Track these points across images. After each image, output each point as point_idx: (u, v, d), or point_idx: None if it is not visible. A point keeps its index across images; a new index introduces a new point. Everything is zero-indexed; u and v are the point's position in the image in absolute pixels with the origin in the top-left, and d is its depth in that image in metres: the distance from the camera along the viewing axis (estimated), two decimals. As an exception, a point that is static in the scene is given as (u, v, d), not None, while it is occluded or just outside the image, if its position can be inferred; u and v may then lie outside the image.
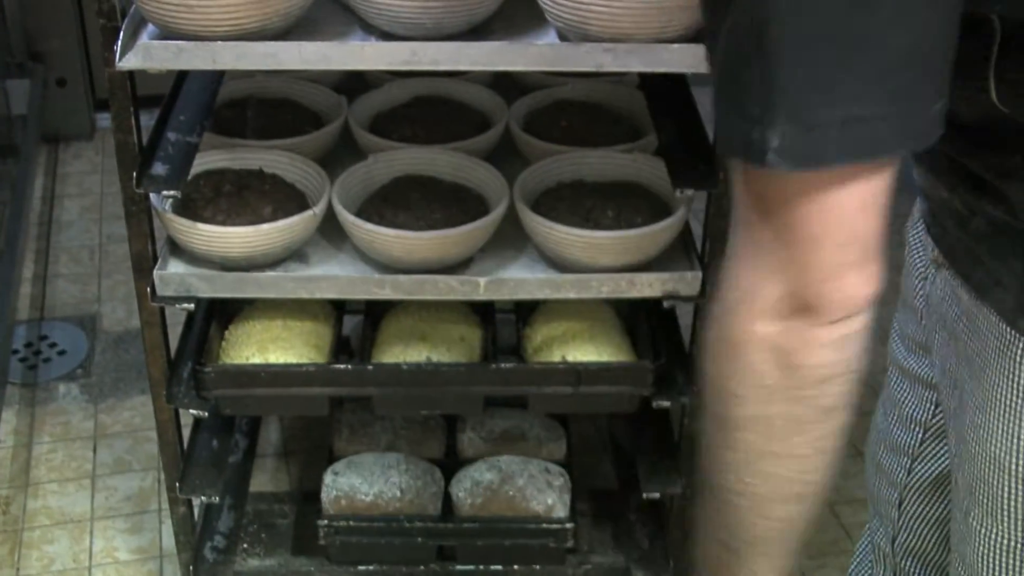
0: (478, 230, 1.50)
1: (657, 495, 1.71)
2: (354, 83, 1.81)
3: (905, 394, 1.21)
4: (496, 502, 1.74)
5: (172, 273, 1.51)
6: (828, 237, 0.75)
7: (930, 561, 1.27)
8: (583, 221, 1.53)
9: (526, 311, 1.73)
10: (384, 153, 1.64)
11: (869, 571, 1.38)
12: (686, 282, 1.52)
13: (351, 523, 1.73)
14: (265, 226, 1.49)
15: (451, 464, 1.81)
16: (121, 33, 1.33)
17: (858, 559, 1.41)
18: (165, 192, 1.43)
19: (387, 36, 1.36)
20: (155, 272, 1.50)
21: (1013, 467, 0.98)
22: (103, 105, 1.43)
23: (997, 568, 1.03)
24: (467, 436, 1.84)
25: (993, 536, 1.02)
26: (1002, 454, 0.98)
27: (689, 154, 1.52)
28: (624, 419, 1.99)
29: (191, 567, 1.76)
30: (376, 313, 1.72)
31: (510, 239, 1.57)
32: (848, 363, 0.81)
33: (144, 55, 1.32)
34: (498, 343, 1.68)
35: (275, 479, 2.11)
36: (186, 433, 1.73)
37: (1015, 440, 0.97)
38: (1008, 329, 0.93)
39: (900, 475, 1.25)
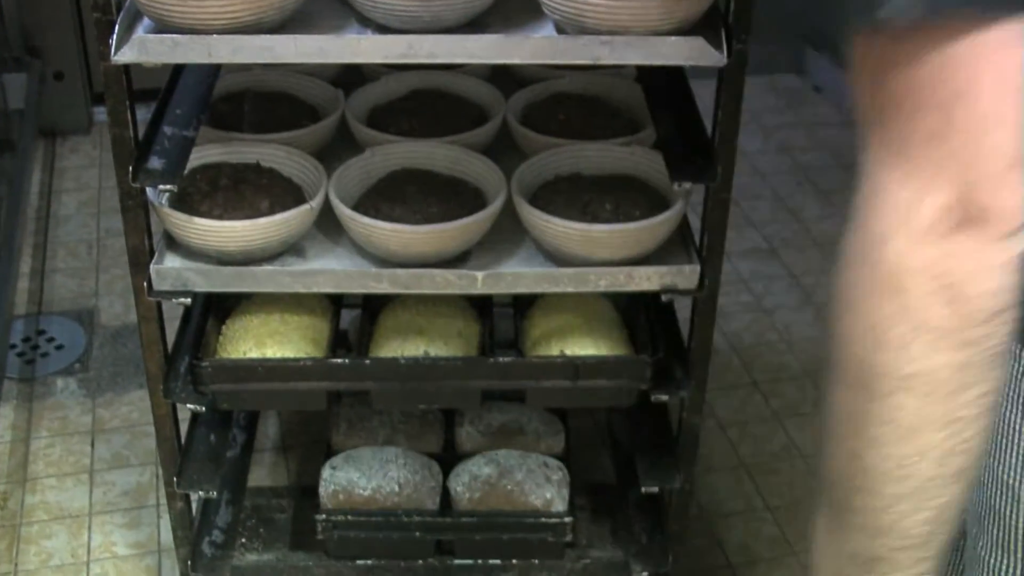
0: (475, 224, 1.50)
1: (656, 489, 1.71)
2: (351, 76, 1.81)
3: None
4: (494, 496, 1.74)
5: (169, 268, 1.51)
6: (997, 115, 0.63)
7: None
8: (581, 215, 1.52)
9: (524, 305, 1.73)
10: (381, 147, 1.63)
11: None
12: (684, 276, 1.52)
13: (349, 517, 1.73)
14: (262, 220, 1.48)
15: (449, 458, 1.81)
16: (116, 27, 1.32)
17: None
18: (161, 186, 1.42)
19: (383, 29, 1.35)
20: (151, 267, 1.50)
21: None
22: (100, 99, 1.43)
23: None
24: (465, 430, 1.84)
25: (1004, 568, 0.95)
26: (1016, 483, 0.92)
27: (687, 147, 1.51)
28: (623, 413, 1.98)
29: (189, 562, 1.75)
30: (374, 307, 1.72)
31: (508, 233, 1.57)
32: (1015, 295, 0.69)
33: (139, 49, 1.32)
34: (496, 337, 1.67)
35: (273, 473, 2.11)
36: (184, 428, 1.72)
37: None
38: (1019, 349, 0.87)
39: None
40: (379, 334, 1.67)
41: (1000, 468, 0.92)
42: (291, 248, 1.55)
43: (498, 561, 1.77)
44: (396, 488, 1.73)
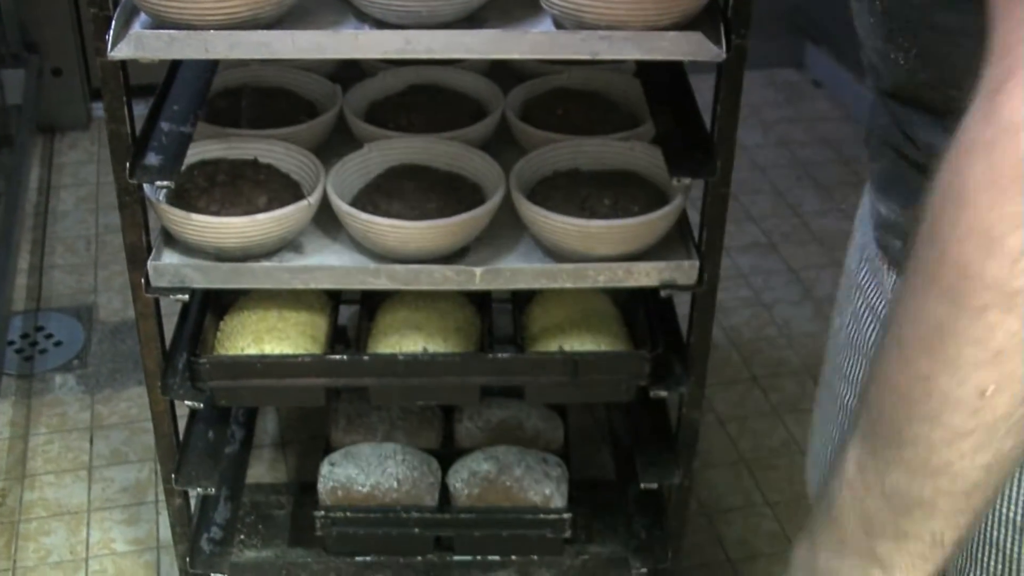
0: (474, 219, 1.49)
1: (655, 485, 1.70)
2: (349, 72, 1.80)
3: None
4: (493, 492, 1.73)
5: (166, 264, 1.50)
6: None
7: None
8: (579, 210, 1.52)
9: (523, 300, 1.72)
10: (379, 142, 1.63)
11: None
12: (683, 271, 1.51)
13: (348, 514, 1.73)
14: (260, 216, 1.48)
15: (448, 454, 1.81)
16: (113, 22, 1.32)
17: None
18: (159, 182, 1.42)
19: (381, 25, 1.35)
20: (149, 263, 1.49)
21: None
22: (99, 95, 1.42)
23: None
24: (464, 426, 1.84)
25: None
26: (1020, 518, 0.87)
27: (686, 142, 1.51)
28: (622, 409, 1.99)
29: (188, 558, 1.75)
30: (372, 303, 1.72)
31: (506, 228, 1.56)
32: None
33: (136, 45, 1.31)
34: (495, 333, 1.67)
35: (272, 470, 2.11)
36: (182, 424, 1.72)
37: None
38: None
39: None
40: (377, 330, 1.66)
41: (1003, 505, 0.88)
42: (289, 244, 1.54)
43: (497, 557, 1.77)
44: (395, 484, 1.73)
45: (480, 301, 1.72)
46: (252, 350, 1.59)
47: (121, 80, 1.37)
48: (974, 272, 0.62)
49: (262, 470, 2.10)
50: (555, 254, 1.53)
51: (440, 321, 1.65)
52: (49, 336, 2.45)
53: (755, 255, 2.74)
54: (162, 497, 1.92)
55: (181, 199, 1.51)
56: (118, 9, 1.34)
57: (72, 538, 2.00)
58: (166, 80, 1.59)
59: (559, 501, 1.74)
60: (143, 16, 1.35)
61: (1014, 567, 0.89)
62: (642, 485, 1.70)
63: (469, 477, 1.75)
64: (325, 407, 1.75)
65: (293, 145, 1.61)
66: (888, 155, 0.94)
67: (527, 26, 1.35)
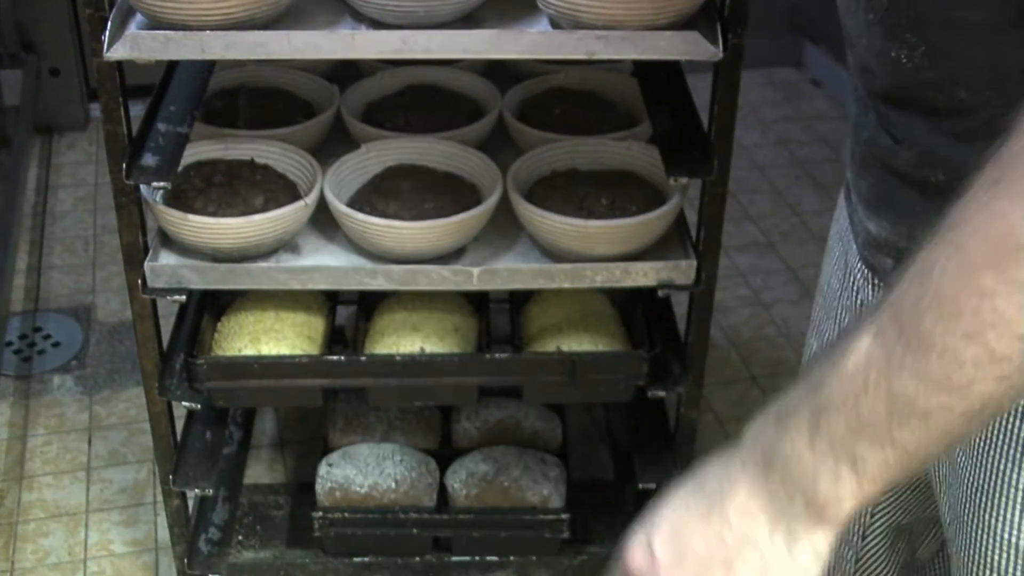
0: (471, 219, 1.49)
1: (653, 485, 1.70)
2: (346, 72, 1.80)
3: None
4: (491, 493, 1.73)
5: (163, 265, 1.50)
6: None
7: None
8: (577, 210, 1.51)
9: (520, 301, 1.72)
10: (376, 143, 1.63)
11: None
12: (681, 270, 1.51)
13: (346, 515, 1.73)
14: (257, 217, 1.48)
15: (446, 455, 1.81)
16: (109, 23, 1.32)
17: None
18: (155, 183, 1.42)
19: (378, 25, 1.34)
20: (146, 264, 1.49)
21: None
22: (97, 95, 1.42)
23: None
24: (462, 427, 1.84)
25: None
26: (1015, 537, 0.87)
27: (683, 142, 1.51)
28: (620, 409, 1.98)
29: (186, 559, 1.75)
30: (369, 304, 1.72)
31: (503, 228, 1.56)
32: None
33: (132, 45, 1.31)
34: (492, 333, 1.67)
35: (270, 470, 2.11)
36: (180, 425, 1.72)
37: None
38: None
39: (854, 537, 1.14)
40: (375, 331, 1.66)
41: (1002, 528, 0.88)
42: (286, 245, 1.54)
43: (495, 558, 1.77)
44: (393, 485, 1.73)
45: (478, 301, 1.72)
46: (249, 351, 1.58)
47: (118, 81, 1.37)
48: None
49: (260, 471, 2.10)
50: (553, 254, 1.53)
51: (438, 321, 1.65)
52: (47, 337, 2.45)
53: (754, 254, 2.74)
54: (160, 498, 1.92)
55: (178, 200, 1.51)
56: (114, 10, 1.34)
57: (70, 539, 2.00)
58: (163, 81, 1.58)
59: (557, 501, 1.74)
60: (139, 17, 1.35)
61: None
62: (640, 485, 1.70)
63: (467, 477, 1.74)
64: (323, 408, 1.75)
65: (290, 145, 1.61)
66: (875, 172, 0.91)
67: (524, 26, 1.35)
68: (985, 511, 0.88)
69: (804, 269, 2.68)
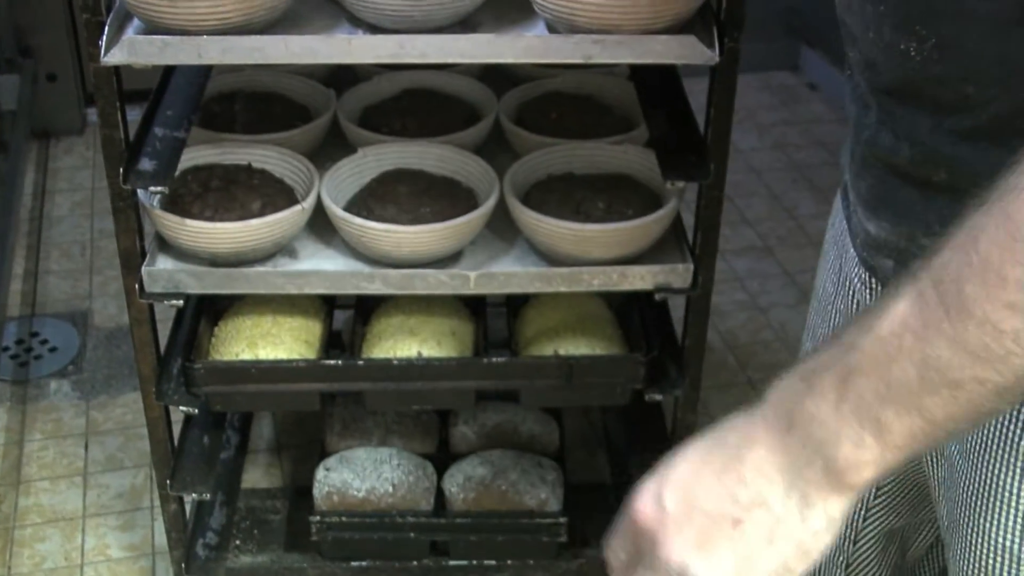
0: (468, 223, 1.49)
1: (651, 488, 1.70)
2: (343, 76, 1.80)
3: None
4: (489, 497, 1.73)
5: (160, 269, 1.50)
6: None
7: None
8: (574, 214, 1.52)
9: (517, 304, 1.72)
10: (373, 147, 1.63)
11: None
12: (678, 274, 1.51)
13: (343, 519, 1.73)
14: (254, 221, 1.48)
15: (444, 459, 1.80)
16: (106, 28, 1.32)
17: None
18: (152, 188, 1.42)
19: (374, 29, 1.35)
20: (143, 268, 1.49)
21: None
22: (94, 100, 1.42)
23: None
24: (459, 430, 1.84)
25: None
26: (1015, 546, 0.87)
27: (680, 145, 1.51)
28: (617, 412, 1.98)
29: (183, 564, 1.75)
30: (366, 308, 1.72)
31: (500, 232, 1.56)
32: None
33: (129, 50, 1.31)
34: (489, 337, 1.67)
35: (268, 475, 2.11)
36: (177, 430, 1.72)
37: None
38: (1018, 408, 0.82)
39: (845, 543, 1.14)
40: (372, 335, 1.66)
41: (997, 532, 0.87)
42: (283, 249, 1.54)
43: (493, 562, 1.77)
44: (390, 489, 1.73)
45: (475, 305, 1.72)
46: (247, 355, 1.58)
47: (115, 85, 1.37)
48: None
49: (257, 475, 2.10)
50: (549, 258, 1.53)
51: (435, 325, 1.65)
52: (44, 342, 2.45)
53: (751, 258, 2.74)
54: (157, 503, 1.92)
55: (175, 204, 1.51)
56: (111, 14, 1.34)
57: (67, 544, 1.99)
58: (160, 85, 1.59)
59: (555, 505, 1.74)
60: (136, 21, 1.35)
61: None
62: (638, 489, 1.70)
63: (464, 481, 1.74)
64: (320, 412, 1.75)
65: (287, 150, 1.61)
66: (875, 172, 0.91)
67: (520, 30, 1.35)
68: (981, 515, 0.88)
69: (801, 273, 2.68)
